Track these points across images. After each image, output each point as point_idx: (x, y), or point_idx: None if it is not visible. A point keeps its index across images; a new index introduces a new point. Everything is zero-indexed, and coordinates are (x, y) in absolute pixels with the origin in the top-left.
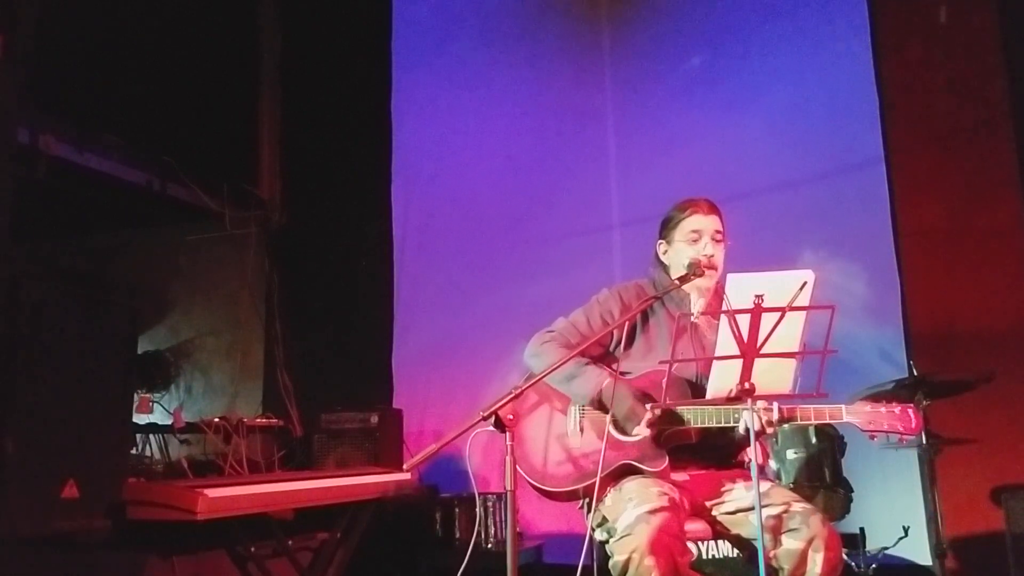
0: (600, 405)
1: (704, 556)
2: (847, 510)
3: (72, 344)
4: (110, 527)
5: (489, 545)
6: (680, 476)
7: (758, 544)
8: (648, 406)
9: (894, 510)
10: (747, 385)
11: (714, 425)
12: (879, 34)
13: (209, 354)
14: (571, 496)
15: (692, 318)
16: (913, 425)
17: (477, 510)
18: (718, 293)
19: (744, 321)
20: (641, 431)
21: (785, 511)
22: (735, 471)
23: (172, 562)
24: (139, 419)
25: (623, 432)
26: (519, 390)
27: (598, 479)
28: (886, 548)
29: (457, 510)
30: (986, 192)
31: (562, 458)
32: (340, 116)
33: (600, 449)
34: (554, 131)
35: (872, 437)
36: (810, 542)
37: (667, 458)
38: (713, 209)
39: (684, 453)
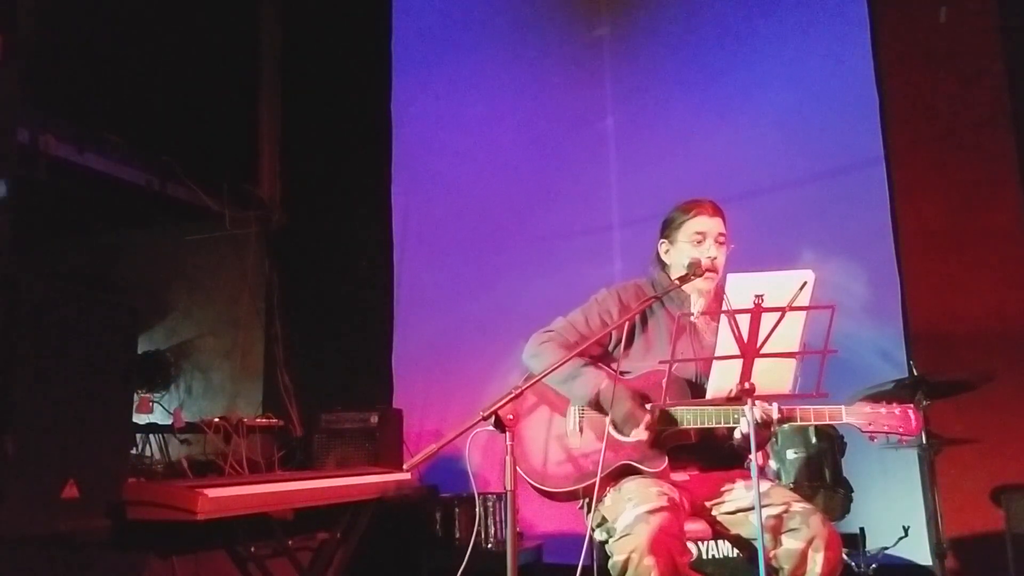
0: (598, 407)
1: (704, 556)
2: (847, 510)
3: (72, 344)
4: (110, 527)
5: (489, 545)
6: (680, 476)
7: (758, 544)
8: (648, 406)
9: (894, 510)
10: (747, 385)
11: (714, 425)
12: (879, 34)
13: (209, 354)
14: (571, 496)
15: (691, 318)
16: (913, 426)
17: (477, 510)
18: (718, 295)
19: (744, 321)
20: (639, 434)
21: (785, 511)
22: (735, 471)
23: (172, 562)
24: (139, 419)
25: (622, 433)
26: (519, 390)
27: (598, 479)
28: (886, 548)
29: (457, 510)
30: (986, 192)
31: (562, 458)
32: (340, 116)
33: (600, 449)
34: (554, 131)
35: (872, 438)
36: (810, 542)
37: (667, 458)
38: (717, 211)
39: (684, 453)
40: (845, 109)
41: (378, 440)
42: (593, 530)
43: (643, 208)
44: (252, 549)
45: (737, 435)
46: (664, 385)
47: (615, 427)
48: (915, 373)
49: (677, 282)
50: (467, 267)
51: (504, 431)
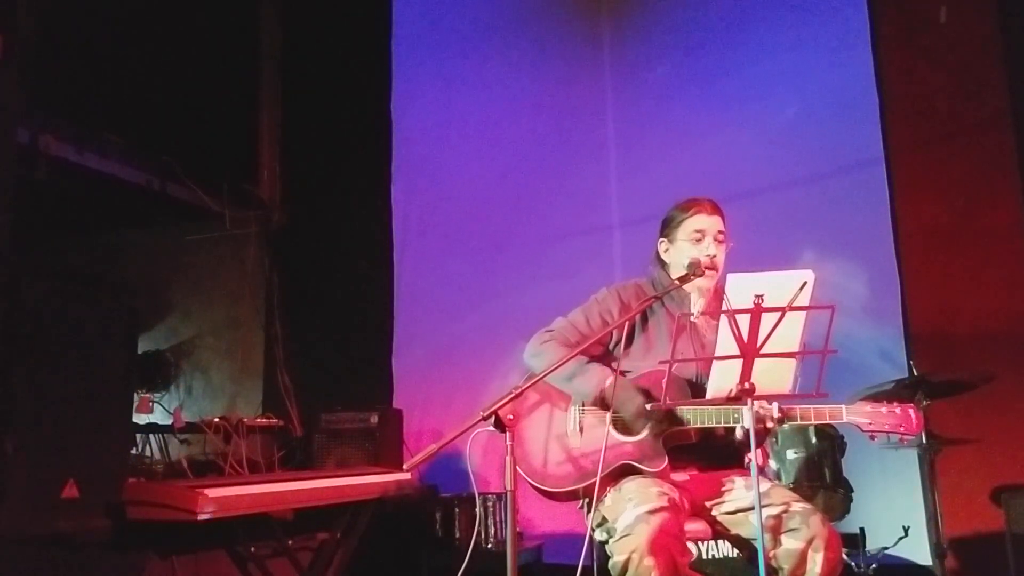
0: (603, 403)
1: (704, 556)
2: (847, 510)
3: (72, 344)
4: (110, 527)
5: (489, 545)
6: (680, 476)
7: (758, 544)
8: (648, 406)
9: (894, 510)
10: (747, 385)
11: (714, 425)
12: (879, 34)
13: (209, 354)
14: (571, 496)
15: (692, 318)
16: (914, 425)
17: (477, 510)
18: (718, 293)
19: (744, 321)
20: (651, 429)
21: (785, 511)
22: (735, 471)
23: (172, 562)
24: (139, 419)
25: (625, 432)
26: (519, 390)
27: (598, 479)
28: (886, 548)
29: (457, 510)
30: (986, 192)
31: (562, 458)
32: (340, 116)
33: (600, 449)
34: (554, 131)
35: (872, 437)
36: (810, 542)
37: (667, 458)
38: (716, 210)
39: (684, 453)
40: (845, 109)
41: (378, 440)
42: (593, 530)
43: (643, 208)
44: (252, 549)
45: (739, 431)
46: (664, 385)
47: (616, 425)
48: (915, 373)
49: (677, 282)
50: (467, 267)
51: (504, 431)
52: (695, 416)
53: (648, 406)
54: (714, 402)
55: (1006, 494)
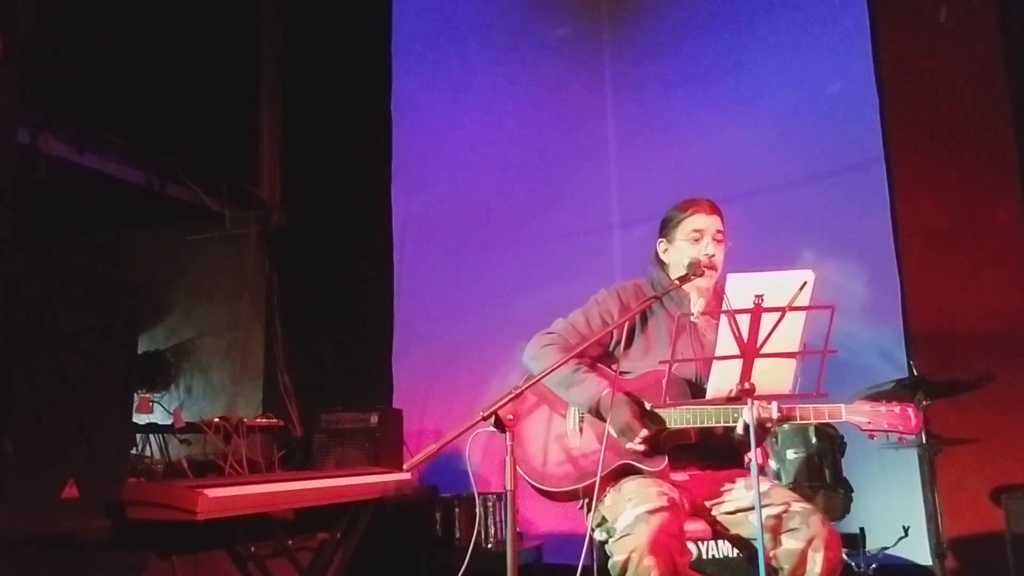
0: (598, 414)
1: (704, 556)
2: (847, 510)
3: (72, 344)
4: (110, 527)
5: (489, 545)
6: (680, 476)
7: (758, 544)
8: (648, 406)
9: (894, 510)
10: (747, 385)
11: (714, 425)
12: (879, 34)
13: (209, 354)
14: (571, 496)
15: (691, 318)
16: (913, 424)
17: (477, 510)
18: (717, 293)
19: (744, 321)
20: (634, 447)
21: (785, 511)
22: (735, 471)
23: (172, 562)
24: (139, 419)
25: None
26: (519, 390)
27: (598, 479)
28: (886, 548)
29: (457, 510)
30: (986, 192)
31: (562, 458)
32: (340, 116)
33: (600, 449)
34: (554, 131)
35: (872, 436)
36: (810, 542)
37: (667, 458)
38: (715, 209)
39: (684, 453)
40: (845, 109)
41: (378, 440)
42: (593, 530)
43: (643, 208)
44: (252, 549)
45: (739, 427)
46: (664, 385)
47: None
48: (915, 373)
49: (677, 282)
50: (467, 267)
51: (504, 431)
52: (695, 416)
53: (648, 406)
54: (714, 402)
55: (1006, 494)
